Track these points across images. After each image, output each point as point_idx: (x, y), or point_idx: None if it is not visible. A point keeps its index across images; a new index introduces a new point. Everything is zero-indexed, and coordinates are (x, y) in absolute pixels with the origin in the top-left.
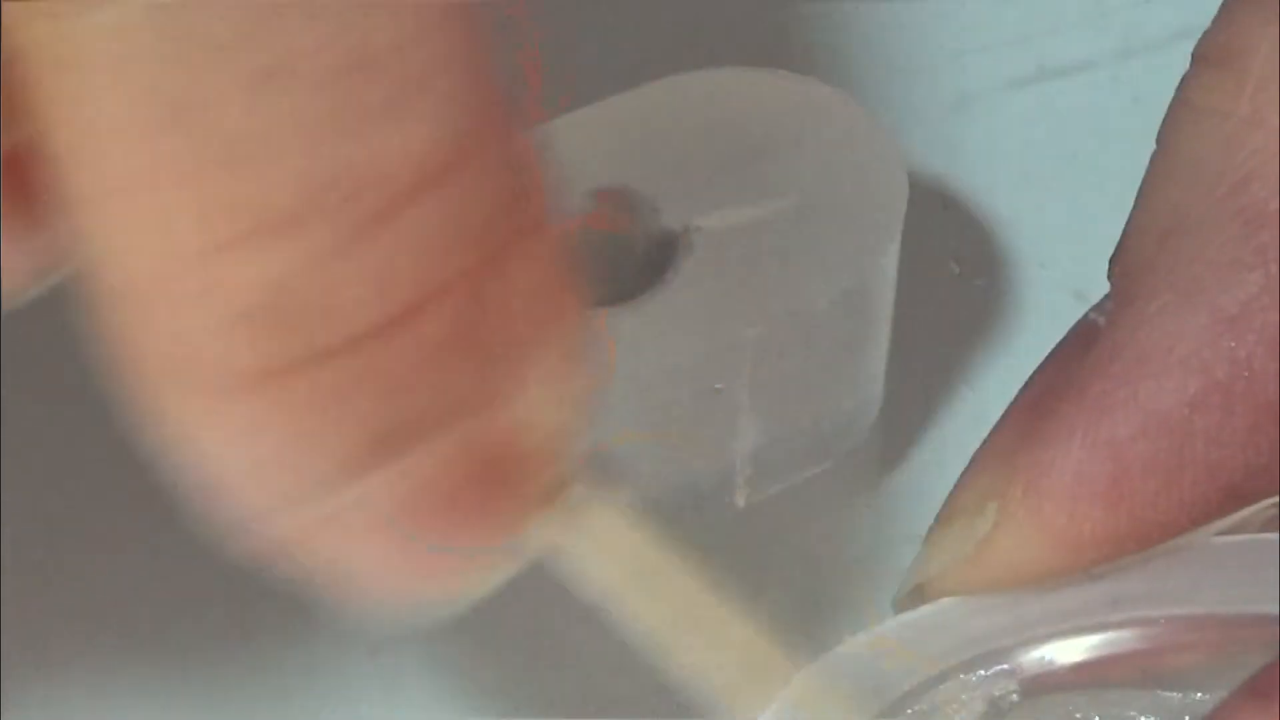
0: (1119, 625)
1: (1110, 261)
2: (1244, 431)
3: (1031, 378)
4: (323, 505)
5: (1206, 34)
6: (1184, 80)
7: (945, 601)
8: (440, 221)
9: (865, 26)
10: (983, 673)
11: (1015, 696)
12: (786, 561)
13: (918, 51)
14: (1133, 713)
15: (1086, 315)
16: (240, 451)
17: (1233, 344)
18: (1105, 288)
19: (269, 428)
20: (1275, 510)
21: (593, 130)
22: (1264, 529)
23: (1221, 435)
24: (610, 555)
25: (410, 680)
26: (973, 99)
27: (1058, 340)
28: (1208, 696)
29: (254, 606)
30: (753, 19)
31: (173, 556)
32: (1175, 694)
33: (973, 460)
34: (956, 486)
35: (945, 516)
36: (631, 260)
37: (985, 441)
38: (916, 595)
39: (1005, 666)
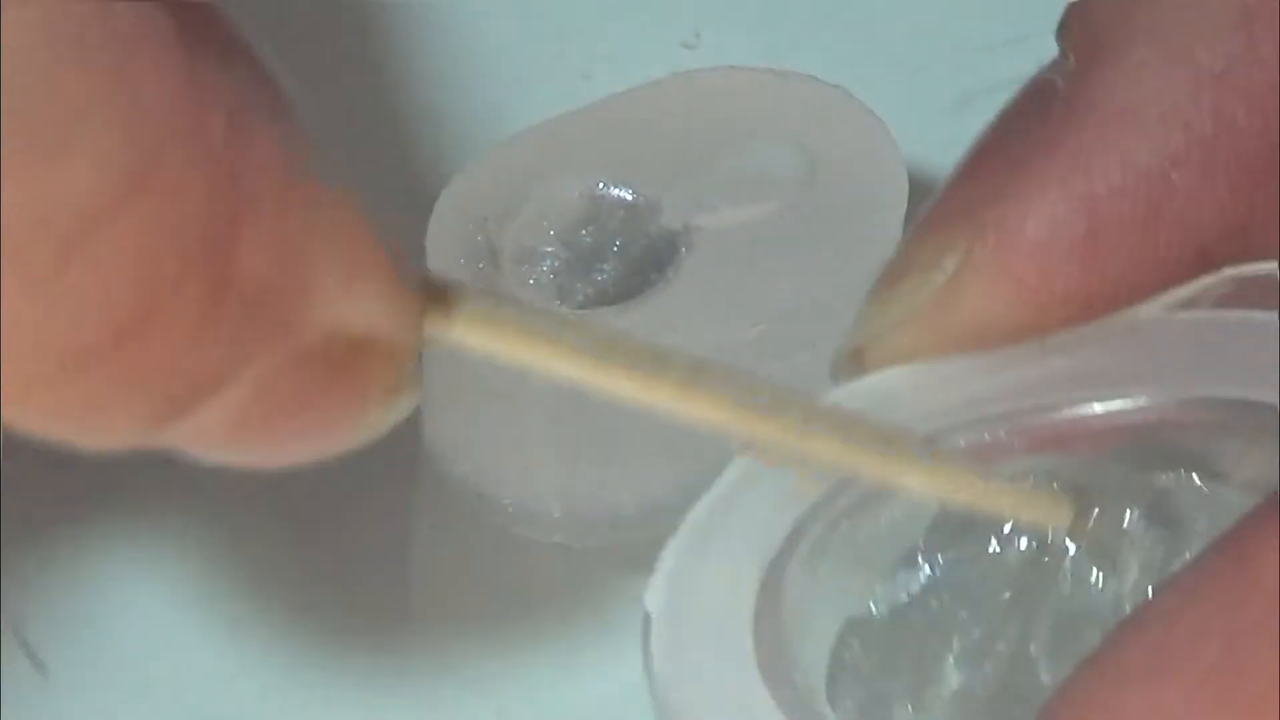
0: (1078, 403)
1: (1064, 20)
2: (1223, 191)
3: (981, 137)
4: (161, 440)
5: None
6: None
7: (897, 373)
8: (142, 232)
9: (866, 25)
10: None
11: None
12: None
13: (918, 51)
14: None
15: (1038, 75)
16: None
17: (1216, 101)
18: None
19: (60, 421)
20: (1232, 284)
21: (593, 130)
22: (1219, 304)
23: (1200, 194)
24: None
25: (412, 682)
26: (973, 99)
27: None
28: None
29: (253, 607)
30: (753, 19)
31: (171, 556)
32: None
33: (923, 218)
34: (906, 243)
35: (894, 273)
36: (631, 260)
37: (936, 200)
38: (857, 360)
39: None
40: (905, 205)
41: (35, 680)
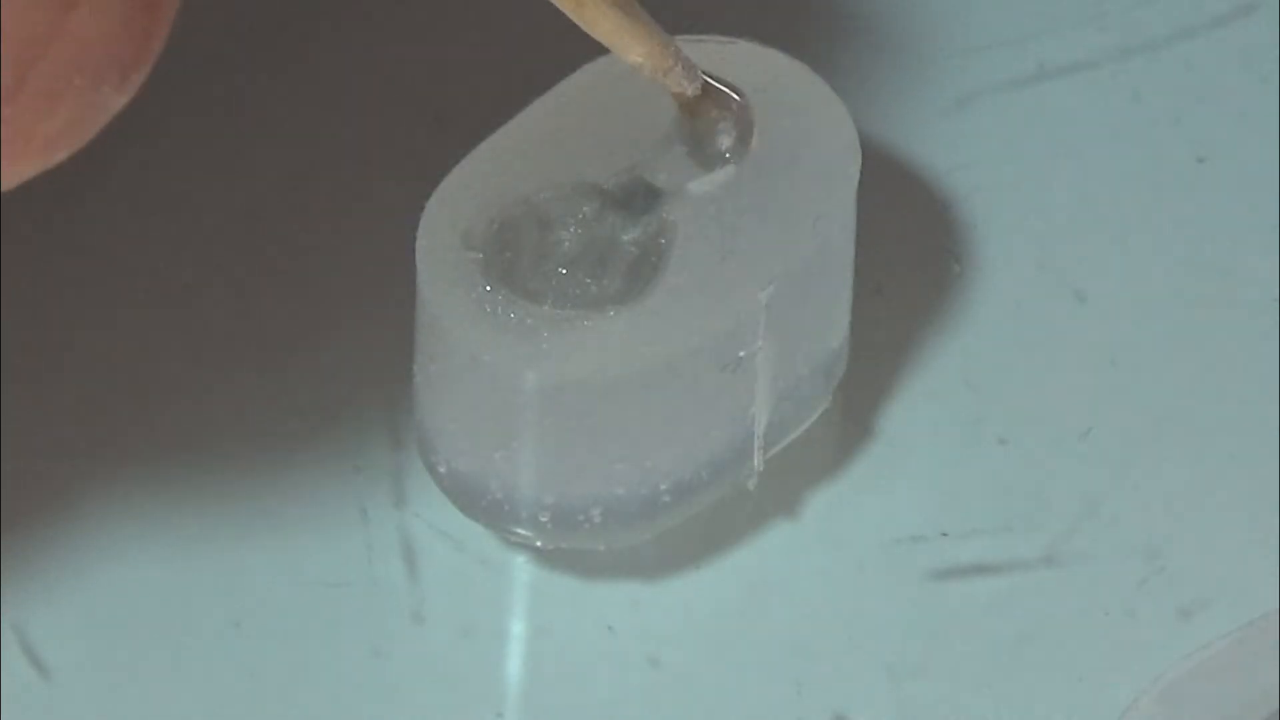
0: None
1: None
2: None
3: None
4: None
5: None
6: None
7: None
8: None
9: (867, 25)
10: None
11: None
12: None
13: (918, 51)
14: None
15: None
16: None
17: None
18: (1106, 287)
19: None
20: None
21: (553, 125)
22: None
23: None
24: None
25: (411, 682)
26: (973, 99)
27: (1057, 340)
28: None
29: (254, 605)
30: (752, 18)
31: (171, 554)
32: None
33: None
34: None
35: None
36: (618, 256)
37: None
38: None
39: None
40: (858, 158)
41: (35, 680)
